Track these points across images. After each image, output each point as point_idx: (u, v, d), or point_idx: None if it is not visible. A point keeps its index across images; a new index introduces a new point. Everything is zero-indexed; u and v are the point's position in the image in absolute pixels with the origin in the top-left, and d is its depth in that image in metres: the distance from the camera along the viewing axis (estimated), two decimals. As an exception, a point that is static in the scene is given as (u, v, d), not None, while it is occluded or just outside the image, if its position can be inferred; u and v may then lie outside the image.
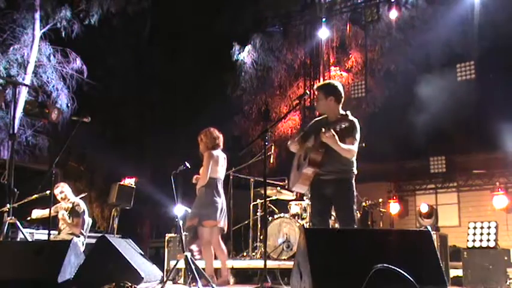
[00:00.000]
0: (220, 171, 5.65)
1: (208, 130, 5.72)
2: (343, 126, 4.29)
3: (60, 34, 12.02)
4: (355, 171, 4.54)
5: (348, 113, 4.57)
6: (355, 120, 4.51)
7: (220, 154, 5.69)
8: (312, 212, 5.04)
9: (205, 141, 5.66)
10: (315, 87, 4.96)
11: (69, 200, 7.11)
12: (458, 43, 11.20)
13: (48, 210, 6.71)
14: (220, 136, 5.74)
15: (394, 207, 11.89)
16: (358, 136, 4.45)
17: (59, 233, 7.09)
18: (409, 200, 13.26)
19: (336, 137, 4.29)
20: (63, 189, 7.12)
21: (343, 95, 4.61)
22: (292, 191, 7.71)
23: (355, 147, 4.41)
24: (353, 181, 4.52)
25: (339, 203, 4.50)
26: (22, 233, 6.26)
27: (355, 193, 4.53)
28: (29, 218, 7.11)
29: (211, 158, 5.55)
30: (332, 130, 4.26)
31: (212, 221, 5.48)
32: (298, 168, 4.63)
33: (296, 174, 4.66)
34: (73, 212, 7.00)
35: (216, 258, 5.79)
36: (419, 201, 11.64)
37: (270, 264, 6.40)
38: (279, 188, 8.06)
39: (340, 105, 4.60)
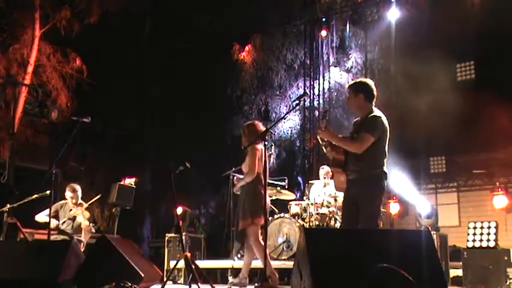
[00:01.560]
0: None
1: (253, 123, 5.54)
2: (324, 123, 4.57)
3: (60, 34, 11.99)
4: (382, 170, 4.38)
5: (375, 109, 4.51)
6: (377, 115, 4.42)
7: (262, 148, 5.46)
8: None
9: (247, 134, 5.44)
10: (346, 86, 4.92)
11: (81, 204, 7.08)
12: (458, 43, 11.19)
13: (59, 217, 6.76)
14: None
15: (394, 207, 11.87)
16: (373, 130, 4.34)
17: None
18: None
19: (328, 133, 4.46)
20: (77, 193, 7.08)
21: (374, 92, 4.52)
22: None
23: (363, 141, 4.32)
24: (378, 181, 4.35)
25: (359, 204, 4.36)
26: (22, 233, 6.26)
27: (380, 193, 4.38)
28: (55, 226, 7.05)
29: (256, 152, 5.36)
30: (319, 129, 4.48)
31: (260, 218, 5.27)
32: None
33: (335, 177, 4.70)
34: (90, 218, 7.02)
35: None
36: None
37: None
38: (279, 188, 8.06)
39: (372, 104, 4.52)
